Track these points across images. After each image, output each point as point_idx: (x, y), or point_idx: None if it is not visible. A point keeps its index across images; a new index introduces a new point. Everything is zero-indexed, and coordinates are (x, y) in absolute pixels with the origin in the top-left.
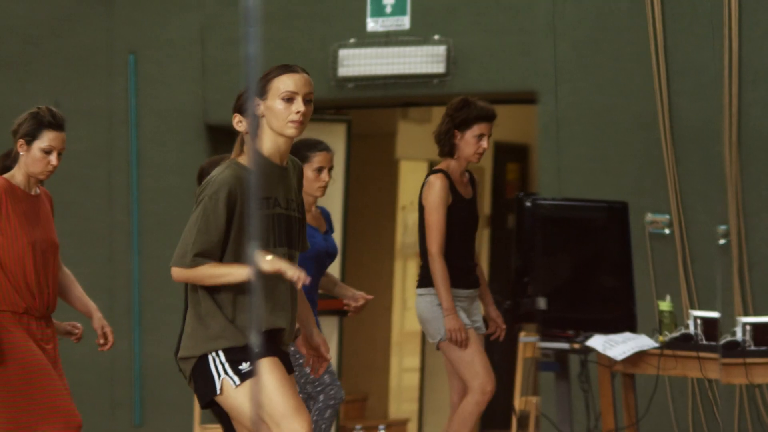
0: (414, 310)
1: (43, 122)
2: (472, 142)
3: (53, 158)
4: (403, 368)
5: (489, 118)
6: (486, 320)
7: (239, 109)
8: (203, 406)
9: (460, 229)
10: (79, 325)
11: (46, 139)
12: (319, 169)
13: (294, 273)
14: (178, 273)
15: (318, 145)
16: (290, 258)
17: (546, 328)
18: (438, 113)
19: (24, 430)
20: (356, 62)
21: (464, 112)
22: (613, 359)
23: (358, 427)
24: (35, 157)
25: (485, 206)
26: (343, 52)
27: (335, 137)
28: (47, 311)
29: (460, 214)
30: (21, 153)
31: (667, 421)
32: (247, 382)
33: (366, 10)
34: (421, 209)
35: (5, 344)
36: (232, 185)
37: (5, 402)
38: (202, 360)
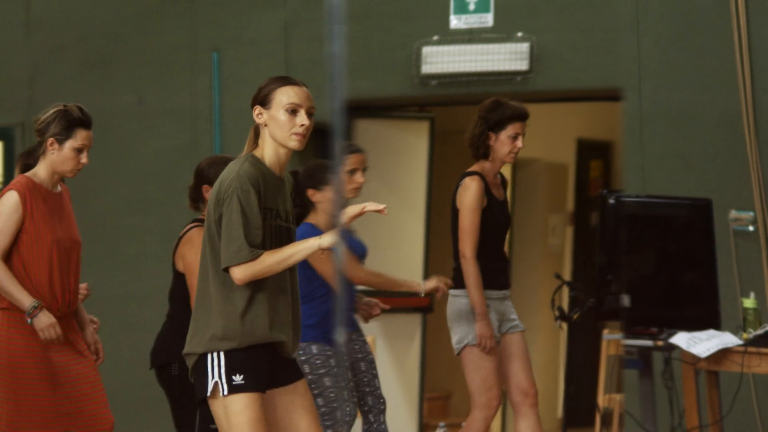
0: None
1: (75, 121)
2: (507, 142)
3: (84, 157)
4: None
5: (522, 117)
6: None
7: (262, 101)
8: (198, 403)
9: (493, 231)
10: (96, 319)
11: (80, 138)
12: (352, 171)
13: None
14: (242, 271)
15: (349, 147)
16: (290, 270)
17: (630, 326)
18: None
19: None
20: (439, 59)
21: (498, 113)
22: (697, 356)
23: (441, 424)
24: (67, 156)
25: (569, 203)
26: (426, 50)
27: (418, 135)
28: (68, 309)
29: (494, 216)
30: (51, 152)
31: (751, 419)
32: (233, 397)
33: (449, 7)
34: (455, 211)
35: (19, 351)
36: (255, 177)
37: (26, 410)
38: (203, 357)
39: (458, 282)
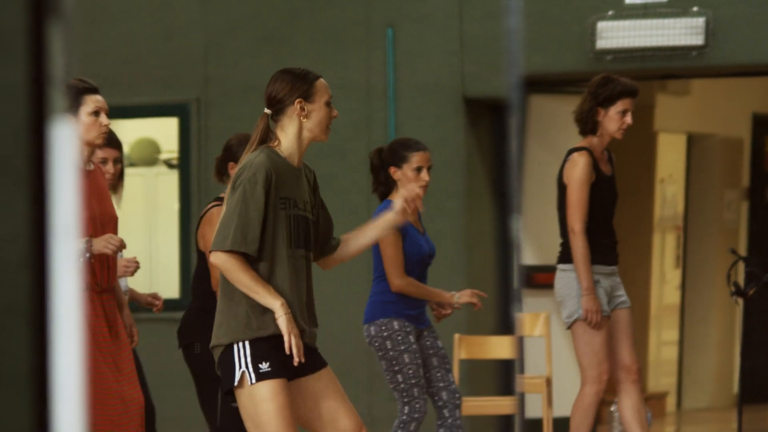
0: (672, 282)
1: (80, 89)
2: (616, 118)
3: (103, 119)
4: (662, 341)
5: (632, 93)
6: None
7: (305, 94)
8: (224, 394)
9: (602, 206)
10: (159, 295)
11: (90, 102)
12: (418, 169)
13: None
14: (218, 259)
15: (416, 145)
16: (306, 260)
17: None
18: (697, 86)
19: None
20: (614, 35)
21: (608, 89)
22: None
23: (616, 400)
24: (87, 123)
25: (744, 178)
26: (601, 25)
27: None
28: (107, 284)
29: (602, 191)
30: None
31: None
32: (261, 385)
33: None
34: (562, 187)
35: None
36: (269, 168)
37: (99, 397)
38: (229, 348)
39: (566, 257)
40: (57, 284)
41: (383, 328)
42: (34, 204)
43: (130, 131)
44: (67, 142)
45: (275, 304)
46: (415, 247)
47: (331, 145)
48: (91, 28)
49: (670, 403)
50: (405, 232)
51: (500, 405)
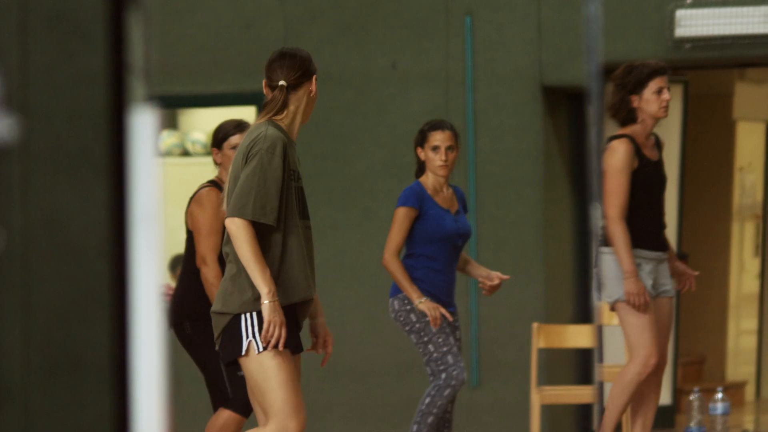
0: (751, 271)
1: None
2: (653, 99)
3: None
4: (741, 330)
5: (662, 71)
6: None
7: (310, 75)
8: (226, 365)
9: (647, 192)
10: (171, 285)
11: None
12: (435, 148)
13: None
14: (235, 228)
15: (436, 124)
16: (310, 230)
17: None
18: None
19: None
20: (693, 23)
21: (635, 75)
22: None
23: (695, 389)
24: None
25: None
26: (680, 13)
27: (672, 98)
28: None
29: (647, 176)
30: None
31: None
32: (268, 354)
33: None
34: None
35: None
36: (283, 140)
37: None
38: (236, 318)
39: (607, 240)
40: (137, 273)
41: (405, 301)
42: (114, 192)
43: (208, 120)
44: (147, 130)
45: (264, 289)
46: (435, 226)
47: (410, 132)
48: (170, 17)
49: (749, 392)
50: (424, 212)
51: (579, 394)
